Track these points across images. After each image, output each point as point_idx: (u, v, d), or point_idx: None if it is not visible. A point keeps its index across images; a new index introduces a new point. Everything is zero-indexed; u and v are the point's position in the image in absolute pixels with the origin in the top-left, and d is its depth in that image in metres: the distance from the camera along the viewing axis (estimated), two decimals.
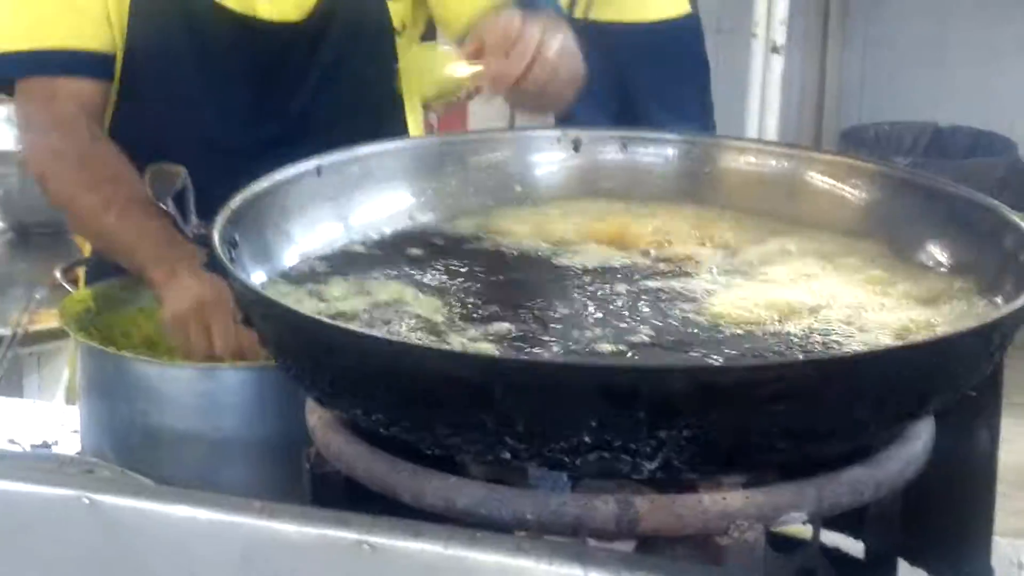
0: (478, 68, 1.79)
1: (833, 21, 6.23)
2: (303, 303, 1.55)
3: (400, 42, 2.26)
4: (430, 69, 2.08)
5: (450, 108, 5.27)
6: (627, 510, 1.34)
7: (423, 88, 2.26)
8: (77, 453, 1.90)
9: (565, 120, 4.19)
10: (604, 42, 4.77)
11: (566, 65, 1.87)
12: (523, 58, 1.79)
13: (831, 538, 1.61)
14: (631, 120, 4.78)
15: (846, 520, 1.54)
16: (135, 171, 2.03)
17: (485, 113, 5.35)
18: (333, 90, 2.21)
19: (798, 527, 1.50)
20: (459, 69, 1.82)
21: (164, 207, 1.49)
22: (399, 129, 2.31)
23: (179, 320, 1.87)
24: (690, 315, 1.53)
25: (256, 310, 1.48)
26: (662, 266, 1.67)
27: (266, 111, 2.19)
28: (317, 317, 1.46)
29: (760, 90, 5.46)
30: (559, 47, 1.84)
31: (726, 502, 1.35)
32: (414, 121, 2.39)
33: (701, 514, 1.35)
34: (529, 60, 1.79)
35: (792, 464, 1.39)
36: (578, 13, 4.79)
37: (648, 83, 4.83)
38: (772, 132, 5.45)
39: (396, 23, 2.24)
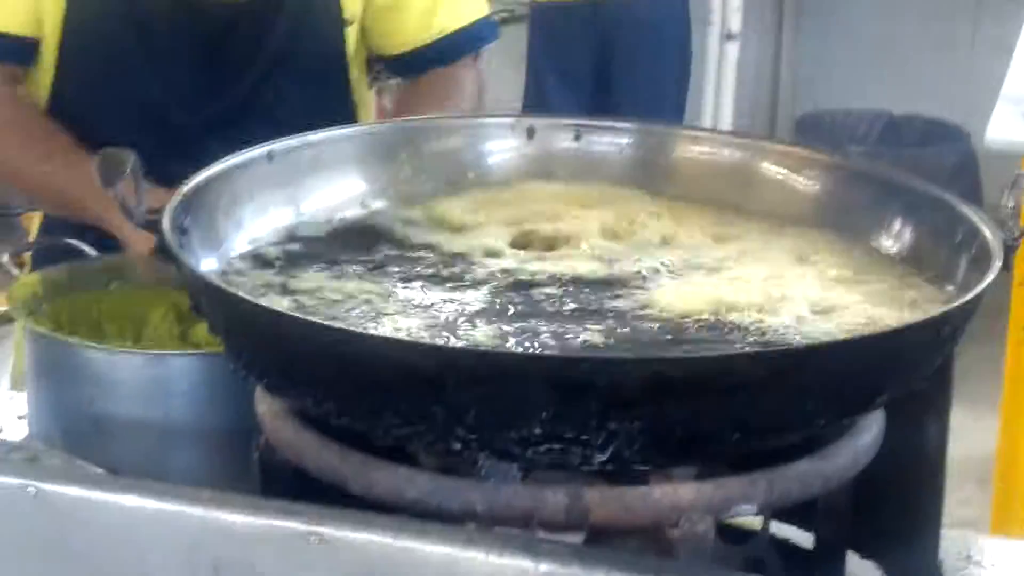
0: None
1: (788, 9, 6.24)
2: (252, 290, 1.54)
3: (349, 32, 2.26)
4: None
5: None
6: (577, 502, 1.34)
7: None
8: (24, 440, 1.88)
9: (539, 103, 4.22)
10: (609, 17, 4.86)
11: None
12: None
13: (781, 529, 1.62)
14: (608, 101, 4.86)
15: (796, 512, 1.54)
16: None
17: None
18: (282, 73, 2.21)
19: (748, 518, 1.50)
20: None
21: (113, 192, 1.48)
22: (351, 115, 2.31)
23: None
24: (636, 307, 1.53)
25: (205, 297, 1.47)
26: (607, 257, 1.66)
27: (213, 90, 2.19)
28: (266, 305, 1.45)
29: (715, 77, 5.48)
30: None
31: (676, 494, 1.35)
32: (365, 108, 2.39)
33: (651, 506, 1.35)
34: None
35: (743, 456, 1.40)
36: None
37: (640, 56, 4.91)
38: (727, 120, 5.47)
39: (347, 14, 2.25)
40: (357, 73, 2.36)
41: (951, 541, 1.68)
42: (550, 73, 5.09)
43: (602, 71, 5.01)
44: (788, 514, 1.57)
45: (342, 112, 2.29)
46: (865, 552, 1.62)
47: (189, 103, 2.18)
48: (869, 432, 1.48)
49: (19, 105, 2.15)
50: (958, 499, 3.99)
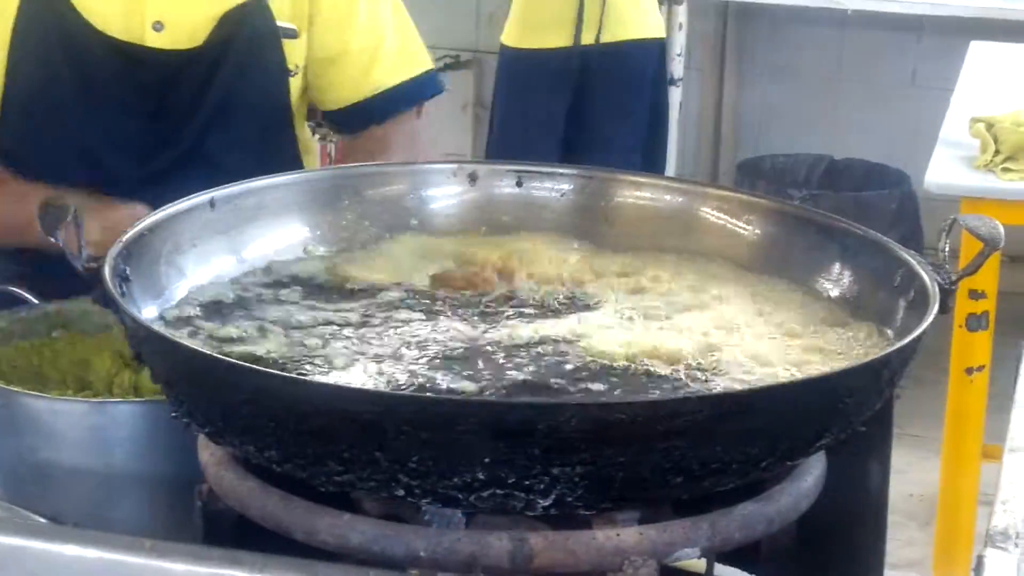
0: None
1: (729, 55, 6.29)
2: (193, 338, 1.54)
3: (294, 81, 2.26)
4: None
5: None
6: (521, 547, 1.34)
7: None
8: None
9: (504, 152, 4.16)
10: (602, 65, 4.85)
11: None
12: None
13: (725, 572, 1.62)
14: (578, 149, 4.86)
15: (741, 554, 1.54)
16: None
17: None
18: (225, 122, 2.20)
19: (693, 561, 1.51)
20: None
21: (54, 240, 1.47)
22: (294, 163, 2.31)
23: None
24: (570, 355, 1.54)
25: (147, 345, 1.47)
26: (541, 303, 1.67)
27: (156, 141, 2.18)
28: (207, 352, 1.45)
29: None
30: None
31: (620, 538, 1.36)
32: (310, 156, 2.39)
33: (595, 551, 1.35)
34: None
35: (685, 500, 1.40)
36: (587, 39, 4.85)
37: (614, 105, 4.91)
38: (671, 164, 5.50)
39: (290, 63, 2.25)
40: (301, 122, 2.36)
41: None
42: (519, 121, 5.01)
43: (573, 119, 4.96)
44: (732, 557, 1.57)
45: (287, 161, 2.29)
46: None
47: (132, 153, 2.17)
48: (811, 474, 1.49)
49: None
50: (901, 540, 4.03)
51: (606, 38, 4.87)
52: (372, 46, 2.31)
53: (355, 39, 2.31)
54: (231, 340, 1.55)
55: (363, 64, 2.31)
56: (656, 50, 4.99)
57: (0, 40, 2.12)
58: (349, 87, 2.32)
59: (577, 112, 4.94)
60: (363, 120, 2.37)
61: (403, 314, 1.62)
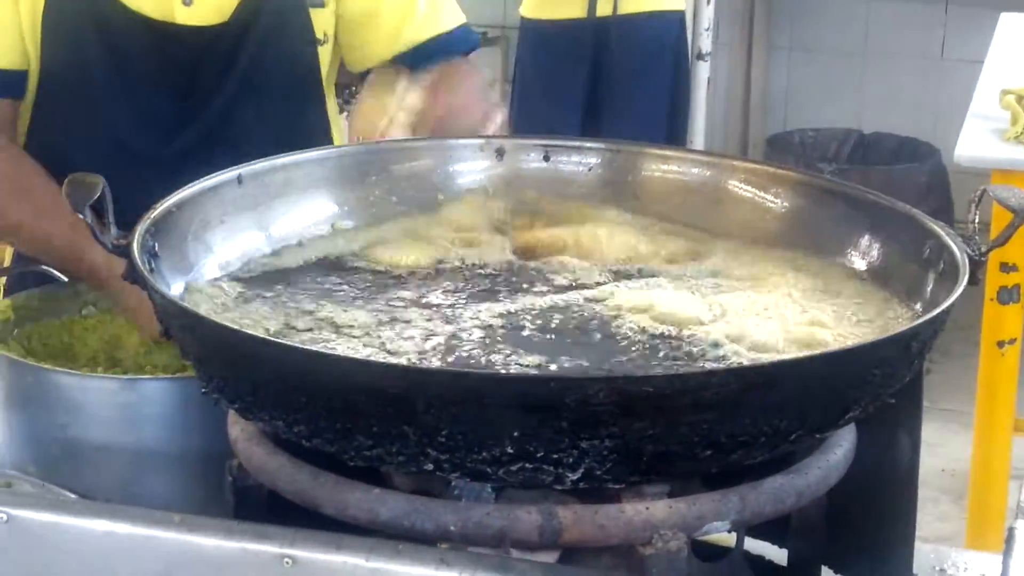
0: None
1: (758, 29, 6.26)
2: (222, 314, 1.54)
3: (322, 51, 2.25)
4: None
5: None
6: (550, 521, 1.34)
7: None
8: None
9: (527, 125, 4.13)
10: (620, 36, 4.83)
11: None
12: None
13: (755, 546, 1.62)
14: (598, 121, 4.85)
15: (770, 528, 1.54)
16: (54, 178, 2.02)
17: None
18: (253, 97, 2.19)
19: (722, 535, 1.50)
20: None
21: (81, 216, 1.47)
22: (323, 138, 2.31)
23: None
24: (602, 326, 1.54)
25: (176, 322, 1.47)
26: (572, 276, 1.67)
27: (185, 119, 2.18)
28: (236, 327, 1.45)
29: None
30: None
31: (649, 512, 1.36)
32: (337, 129, 2.38)
33: (624, 524, 1.35)
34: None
35: (715, 473, 1.40)
36: (603, 11, 4.84)
37: (634, 75, 4.90)
38: (699, 139, 5.48)
39: (319, 33, 2.23)
40: (331, 95, 2.35)
41: (925, 555, 1.69)
42: (538, 92, 5.01)
43: (593, 90, 4.95)
44: (762, 530, 1.57)
45: (316, 136, 2.28)
46: (839, 567, 1.62)
47: (161, 132, 2.17)
48: (841, 448, 1.48)
49: (16, 157, 2.12)
50: (934, 515, 4.02)
51: (623, 9, 4.85)
52: (403, 4, 2.28)
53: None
54: (259, 314, 1.55)
55: (395, 23, 2.28)
56: (675, 22, 4.97)
57: (32, 20, 2.12)
58: (382, 45, 2.28)
59: (597, 83, 4.93)
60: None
61: (432, 292, 1.63)
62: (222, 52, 2.17)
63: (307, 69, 2.25)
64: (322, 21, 2.24)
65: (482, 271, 1.68)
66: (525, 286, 1.64)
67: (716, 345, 1.50)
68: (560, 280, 1.66)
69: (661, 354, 1.49)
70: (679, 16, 4.99)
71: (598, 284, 1.65)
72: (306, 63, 2.24)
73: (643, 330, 1.53)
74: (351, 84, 3.44)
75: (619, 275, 1.67)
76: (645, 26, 4.90)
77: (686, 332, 1.52)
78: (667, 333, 1.52)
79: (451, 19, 2.33)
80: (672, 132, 4.95)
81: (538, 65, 5.01)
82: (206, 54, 2.17)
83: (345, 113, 2.57)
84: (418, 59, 2.27)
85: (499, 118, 2.11)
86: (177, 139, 2.16)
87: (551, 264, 1.70)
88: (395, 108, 2.18)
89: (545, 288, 1.64)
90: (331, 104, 2.36)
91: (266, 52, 2.18)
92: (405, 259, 1.70)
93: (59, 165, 2.06)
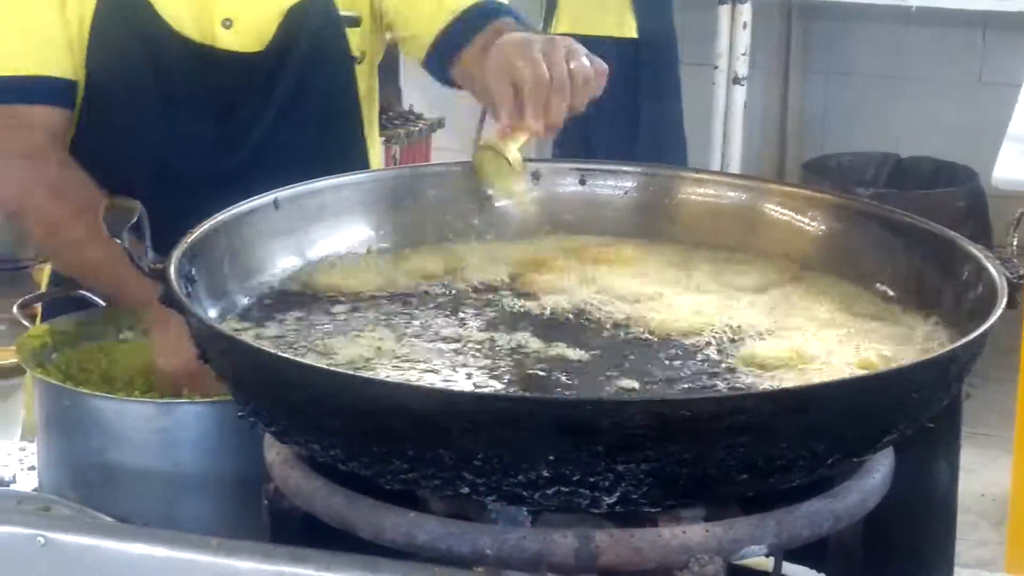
0: (523, 139, 1.79)
1: (795, 53, 6.25)
2: (260, 339, 1.55)
3: (359, 70, 2.25)
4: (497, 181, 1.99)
5: (414, 140, 5.28)
6: (587, 544, 1.34)
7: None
8: (35, 490, 1.88)
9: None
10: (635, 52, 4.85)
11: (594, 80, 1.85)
12: (564, 100, 1.78)
13: (793, 570, 1.61)
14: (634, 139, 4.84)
15: (808, 552, 1.54)
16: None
17: (448, 143, 5.36)
18: (293, 121, 2.20)
19: (759, 559, 1.50)
20: (512, 153, 1.79)
21: (119, 241, 1.48)
22: (360, 160, 2.30)
23: (173, 374, 1.88)
24: (648, 350, 1.54)
25: (213, 345, 1.47)
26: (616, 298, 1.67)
27: (225, 143, 2.18)
28: (274, 351, 1.46)
29: (723, 122, 5.49)
30: (586, 67, 1.82)
31: (686, 536, 1.35)
32: (375, 152, 2.38)
33: (661, 548, 1.35)
34: (570, 99, 1.79)
35: (752, 497, 1.39)
36: (557, 29, 4.87)
37: (665, 93, 4.90)
38: (735, 163, 5.47)
39: (355, 51, 2.24)
40: (368, 116, 2.34)
41: None
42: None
43: (628, 108, 4.94)
44: (799, 554, 1.56)
45: (353, 156, 2.27)
46: None
47: (202, 154, 2.18)
48: (879, 471, 1.48)
49: (61, 169, 2.11)
50: (973, 540, 3.99)
51: (570, 29, 4.84)
52: None
53: None
54: (296, 337, 1.55)
55: None
56: (618, 50, 4.91)
57: (80, 32, 2.13)
58: (428, 21, 2.22)
59: (631, 102, 4.93)
60: (456, 44, 2.19)
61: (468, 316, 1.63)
62: (262, 77, 2.18)
63: (344, 90, 2.25)
64: (357, 39, 2.24)
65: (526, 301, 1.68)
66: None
67: (755, 366, 1.49)
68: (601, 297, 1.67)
69: (693, 370, 1.49)
70: (626, 43, 4.96)
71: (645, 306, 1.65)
72: (343, 84, 2.24)
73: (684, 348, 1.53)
74: (390, 108, 3.44)
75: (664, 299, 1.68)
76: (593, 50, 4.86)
77: (726, 354, 1.52)
78: (705, 353, 1.52)
79: None
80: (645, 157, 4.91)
81: None
82: (246, 79, 2.17)
83: (383, 138, 2.55)
84: (470, 20, 2.17)
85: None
86: (218, 162, 2.16)
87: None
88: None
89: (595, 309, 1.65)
90: (368, 126, 2.36)
91: (305, 76, 2.19)
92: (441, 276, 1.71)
93: (100, 181, 2.07)
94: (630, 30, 4.98)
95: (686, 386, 1.47)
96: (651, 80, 5.02)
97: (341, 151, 2.25)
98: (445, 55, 2.19)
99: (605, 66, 1.84)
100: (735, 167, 5.40)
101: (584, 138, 4.63)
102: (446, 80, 2.24)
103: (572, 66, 1.80)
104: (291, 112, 2.19)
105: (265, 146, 2.18)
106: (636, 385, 1.46)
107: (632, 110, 5.00)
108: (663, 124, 5.04)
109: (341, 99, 2.25)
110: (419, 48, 2.23)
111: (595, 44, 1.96)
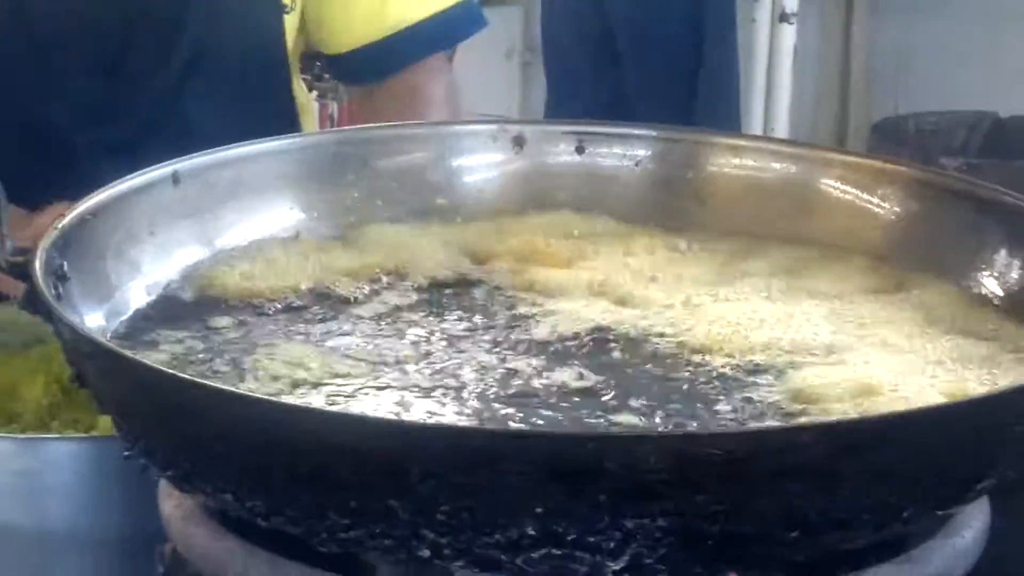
0: None
1: None
2: (152, 354, 1.55)
3: (288, 19, 2.27)
4: None
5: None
6: None
7: None
8: None
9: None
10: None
11: None
12: None
13: None
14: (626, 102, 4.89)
15: None
16: None
17: None
18: (202, 75, 2.22)
19: None
20: None
21: None
22: (288, 125, 2.32)
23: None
24: (665, 371, 1.56)
25: (92, 363, 1.48)
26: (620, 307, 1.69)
27: (116, 102, 2.20)
28: (173, 372, 1.46)
29: (766, 72, 5.51)
30: None
31: None
32: (308, 115, 2.40)
33: None
34: None
35: (802, 563, 1.40)
36: None
37: (659, 43, 4.94)
38: (782, 126, 5.49)
39: None
40: (295, 74, 2.37)
41: None
42: (553, 75, 5.12)
43: (612, 72, 5.00)
44: None
45: (281, 125, 2.29)
46: None
47: (86, 117, 2.19)
48: (970, 529, 1.49)
49: None
50: None
51: None
52: None
53: None
54: (198, 354, 1.56)
55: None
56: None
57: None
58: (361, 23, 2.31)
59: (619, 58, 4.99)
60: (380, 66, 2.36)
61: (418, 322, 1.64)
62: (165, 18, 2.19)
63: (271, 38, 2.27)
64: None
65: (492, 297, 1.70)
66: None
67: (805, 401, 1.51)
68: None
69: (732, 399, 1.50)
70: None
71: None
72: (270, 31, 2.26)
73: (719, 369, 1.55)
74: (319, 57, 3.44)
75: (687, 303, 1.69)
76: None
77: (764, 369, 1.54)
78: (743, 375, 1.54)
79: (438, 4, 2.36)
80: (708, 118, 4.98)
81: (558, 38, 5.11)
82: (143, 20, 2.19)
83: (315, 93, 2.59)
84: (409, 45, 2.29)
85: None
86: (106, 127, 2.18)
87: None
88: None
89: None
90: (298, 85, 2.38)
91: (218, 17, 2.20)
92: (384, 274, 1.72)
93: None
94: None
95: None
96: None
97: (264, 114, 2.26)
98: (355, 75, 2.27)
99: None
100: (781, 132, 5.43)
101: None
102: (357, 85, 2.32)
103: None
104: (199, 65, 2.21)
105: (169, 107, 2.20)
106: (645, 421, 1.47)
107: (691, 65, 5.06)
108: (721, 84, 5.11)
109: (265, 52, 2.27)
110: (329, 45, 2.29)
111: None
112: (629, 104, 4.96)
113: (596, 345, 1.60)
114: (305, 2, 2.31)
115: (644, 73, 4.99)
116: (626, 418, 1.48)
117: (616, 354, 1.59)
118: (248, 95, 2.27)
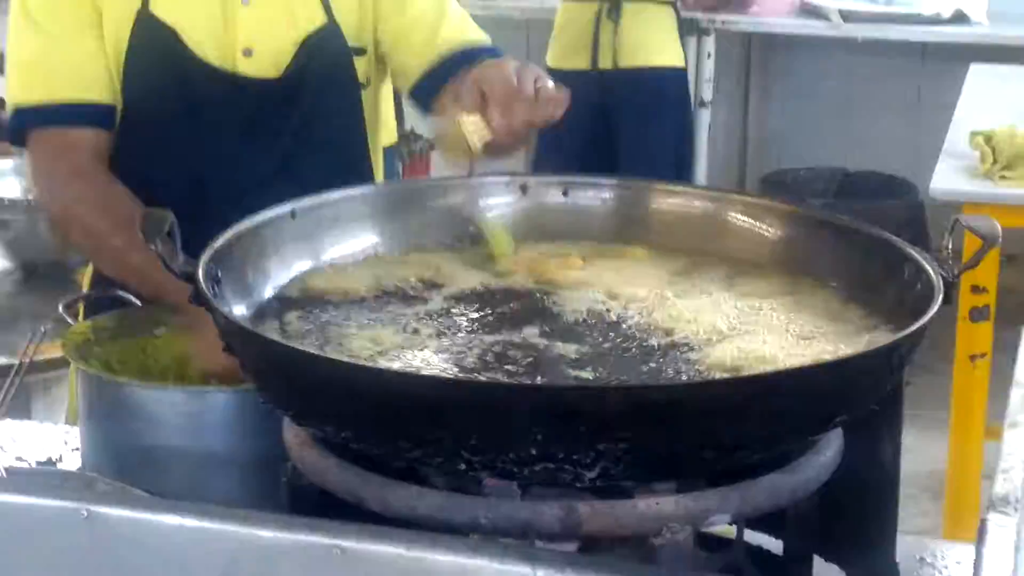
0: (486, 135, 1.76)
1: (754, 80, 6.27)
2: (275, 333, 1.54)
3: (365, 95, 2.25)
4: (450, 151, 1.90)
5: (415, 158, 5.28)
6: (571, 515, 1.34)
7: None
8: (78, 469, 1.88)
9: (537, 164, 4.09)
10: (621, 87, 4.79)
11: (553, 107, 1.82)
12: (527, 109, 1.76)
13: (754, 537, 1.61)
14: (615, 161, 4.80)
15: (768, 521, 1.54)
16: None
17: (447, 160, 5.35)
18: (308, 139, 2.20)
19: (724, 528, 1.50)
20: (472, 138, 1.76)
21: (153, 247, 1.48)
22: (366, 174, 2.31)
23: (212, 372, 1.86)
24: (618, 340, 1.54)
25: (236, 339, 1.47)
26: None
27: (249, 158, 2.18)
28: (290, 344, 1.46)
29: None
30: (550, 88, 1.80)
31: (659, 507, 1.36)
32: (379, 169, 2.38)
33: (637, 517, 1.35)
34: (531, 111, 1.78)
35: (718, 472, 1.40)
36: (605, 64, 4.81)
37: (642, 124, 4.85)
38: (701, 177, 5.48)
39: (361, 78, 2.24)
40: (372, 136, 2.34)
41: (907, 545, 1.67)
42: (560, 138, 4.96)
43: (607, 137, 4.88)
44: (760, 523, 1.56)
45: (359, 172, 2.27)
46: (830, 557, 1.61)
47: (229, 169, 2.18)
48: (830, 449, 1.48)
49: (108, 186, 2.10)
50: (915, 511, 3.99)
51: (622, 64, 4.82)
52: (436, 9, 2.23)
53: (417, 4, 2.23)
54: (312, 334, 1.55)
55: (429, 24, 2.19)
56: (675, 78, 4.90)
57: (117, 60, 2.13)
58: (420, 50, 2.20)
59: (609, 130, 4.88)
60: (441, 78, 2.17)
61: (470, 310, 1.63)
62: (280, 100, 2.18)
63: (353, 112, 2.25)
64: (363, 67, 2.24)
65: (511, 297, 1.68)
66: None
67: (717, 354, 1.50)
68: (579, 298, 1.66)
69: (664, 361, 1.49)
70: (679, 72, 4.93)
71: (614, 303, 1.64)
72: (351, 107, 2.24)
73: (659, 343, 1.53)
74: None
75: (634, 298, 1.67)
76: (645, 79, 4.85)
77: (694, 344, 1.53)
78: (677, 341, 1.53)
79: (483, 34, 2.26)
80: (679, 175, 4.89)
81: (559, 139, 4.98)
82: (266, 103, 2.18)
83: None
84: (459, 57, 2.15)
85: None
86: (244, 175, 2.16)
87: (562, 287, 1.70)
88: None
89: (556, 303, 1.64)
90: (373, 145, 2.35)
91: (318, 100, 2.19)
92: (445, 283, 1.70)
93: (137, 195, 2.07)
94: (679, 59, 4.93)
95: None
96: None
97: (348, 165, 2.25)
98: (429, 89, 2.19)
99: (568, 93, 1.83)
100: (701, 180, 5.40)
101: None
102: (429, 110, 2.24)
103: (538, 85, 1.79)
104: (306, 131, 2.19)
105: (285, 160, 2.18)
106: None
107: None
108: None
109: (349, 121, 2.25)
110: (407, 80, 2.24)
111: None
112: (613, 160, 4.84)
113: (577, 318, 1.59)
114: (384, 50, 2.23)
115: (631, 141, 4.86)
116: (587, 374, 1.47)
117: (596, 331, 1.58)
118: (337, 151, 2.24)
